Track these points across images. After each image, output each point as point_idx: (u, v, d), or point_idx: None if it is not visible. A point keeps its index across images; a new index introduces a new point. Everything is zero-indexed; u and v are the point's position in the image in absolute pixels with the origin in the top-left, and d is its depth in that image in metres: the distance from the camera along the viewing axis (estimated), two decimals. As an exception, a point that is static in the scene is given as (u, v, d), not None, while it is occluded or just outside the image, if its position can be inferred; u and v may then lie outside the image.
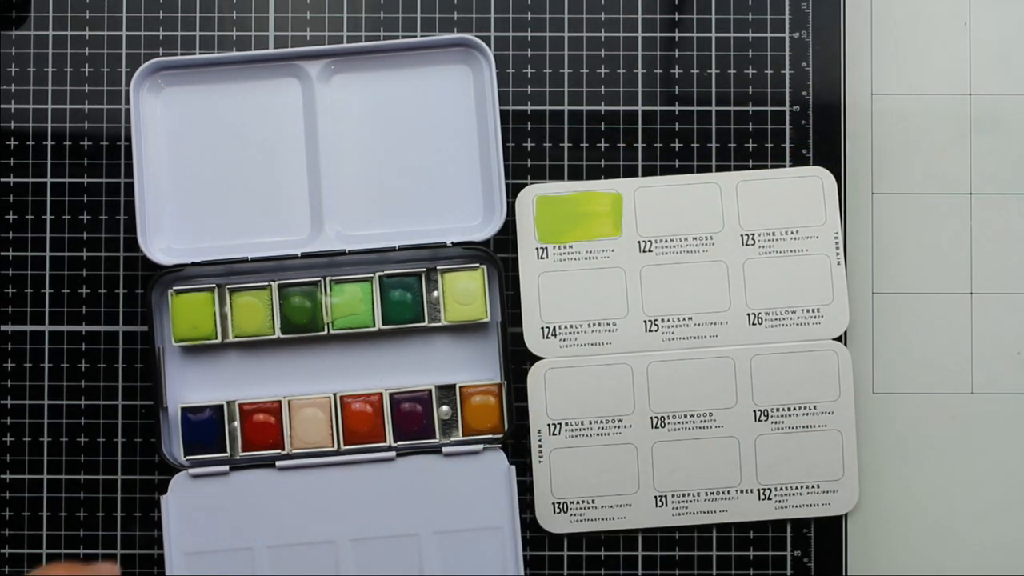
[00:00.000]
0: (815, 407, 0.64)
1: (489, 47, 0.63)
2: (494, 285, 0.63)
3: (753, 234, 0.64)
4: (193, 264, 0.62)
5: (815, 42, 0.65)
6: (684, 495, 0.64)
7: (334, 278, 0.63)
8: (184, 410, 0.63)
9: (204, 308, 0.63)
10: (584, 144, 0.65)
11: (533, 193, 0.64)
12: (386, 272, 0.63)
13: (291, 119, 0.64)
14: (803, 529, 0.64)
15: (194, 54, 0.65)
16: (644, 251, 0.64)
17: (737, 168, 0.65)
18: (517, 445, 0.64)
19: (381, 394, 0.63)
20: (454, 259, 0.64)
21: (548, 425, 0.64)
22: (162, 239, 0.63)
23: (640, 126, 0.65)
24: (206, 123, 0.64)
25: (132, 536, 0.64)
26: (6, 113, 0.65)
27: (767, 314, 0.64)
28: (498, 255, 0.63)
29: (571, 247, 0.64)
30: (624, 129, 0.65)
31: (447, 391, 0.63)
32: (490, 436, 0.63)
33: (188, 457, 0.63)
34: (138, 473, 0.65)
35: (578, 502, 0.64)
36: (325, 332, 0.63)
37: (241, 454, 0.63)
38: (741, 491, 0.64)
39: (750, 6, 0.65)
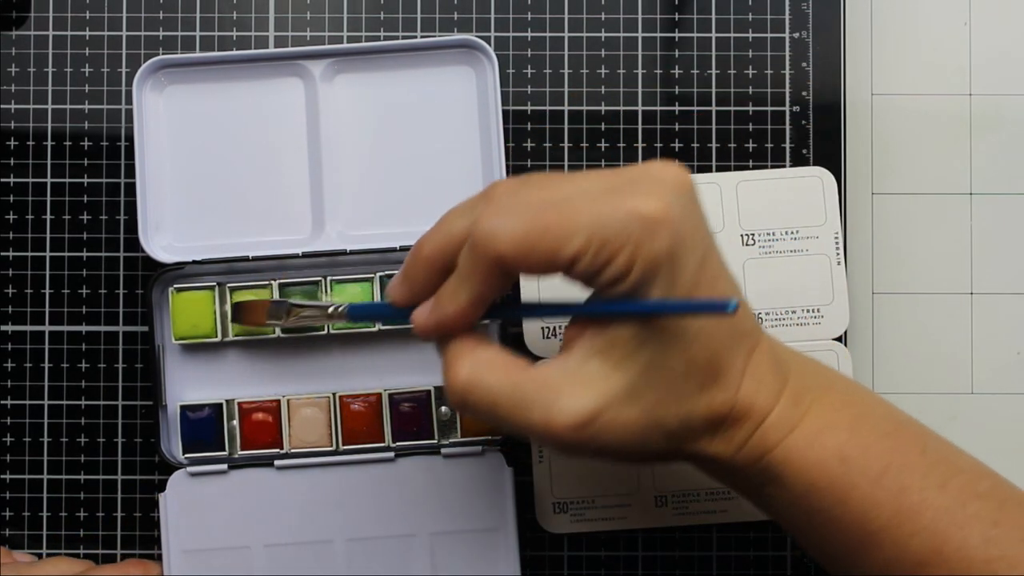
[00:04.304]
0: (815, 407, 0.63)
1: (489, 47, 0.63)
2: (494, 287, 0.63)
3: (753, 234, 0.64)
4: (194, 262, 0.62)
5: (815, 42, 0.65)
6: (684, 495, 0.64)
7: (335, 278, 0.63)
8: (183, 408, 0.63)
9: (204, 306, 0.63)
10: (584, 144, 0.65)
11: (533, 193, 0.64)
12: (387, 272, 0.63)
13: (294, 118, 0.64)
14: (803, 529, 0.64)
15: (195, 53, 0.65)
16: (644, 251, 0.64)
17: (737, 168, 0.65)
18: (517, 445, 0.64)
19: (380, 394, 0.63)
20: (455, 260, 0.64)
21: (548, 425, 0.63)
22: (163, 237, 0.63)
23: (640, 126, 0.65)
24: (208, 121, 0.64)
25: (132, 536, 0.64)
26: (6, 113, 0.65)
27: (767, 314, 0.64)
28: (498, 255, 0.63)
29: (571, 247, 0.64)
30: (624, 129, 0.65)
31: (446, 392, 0.63)
32: (489, 438, 0.63)
33: (187, 455, 0.63)
34: (138, 473, 0.65)
35: (578, 502, 0.64)
36: (325, 332, 0.63)
37: (240, 453, 0.63)
38: (741, 491, 0.64)
39: (750, 6, 0.65)
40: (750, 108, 0.65)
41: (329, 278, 0.63)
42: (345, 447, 0.63)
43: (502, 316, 0.50)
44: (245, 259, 0.63)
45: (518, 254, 0.46)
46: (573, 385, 0.48)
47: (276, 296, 0.62)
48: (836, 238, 0.64)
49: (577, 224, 0.45)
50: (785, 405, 0.50)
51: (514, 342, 0.63)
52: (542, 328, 0.64)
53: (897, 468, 0.50)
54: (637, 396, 0.48)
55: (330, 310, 0.56)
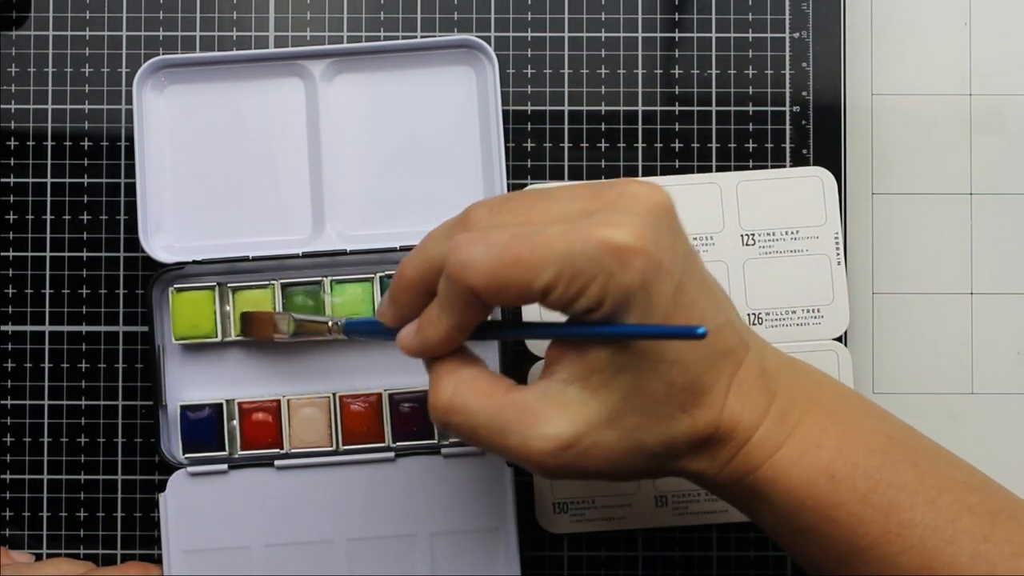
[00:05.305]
0: (815, 407, 0.63)
1: (489, 47, 0.63)
2: (494, 286, 0.63)
3: (753, 234, 0.64)
4: (194, 262, 0.62)
5: (815, 42, 0.65)
6: (684, 495, 0.64)
7: (335, 278, 0.63)
8: (183, 408, 0.63)
9: (205, 306, 0.63)
10: (584, 144, 0.65)
11: (533, 193, 0.64)
12: (387, 272, 0.63)
13: (294, 118, 0.64)
14: (803, 529, 0.64)
15: (195, 53, 0.65)
16: (644, 251, 0.64)
17: (737, 168, 0.65)
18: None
19: (380, 394, 0.63)
20: (454, 260, 0.64)
21: (548, 425, 0.63)
22: (163, 237, 0.63)
23: (640, 126, 0.65)
24: (209, 121, 0.64)
25: (132, 536, 0.64)
26: (6, 113, 0.65)
27: (767, 314, 0.64)
28: (498, 255, 0.63)
29: (571, 247, 0.64)
30: (624, 129, 0.65)
31: (447, 392, 0.63)
32: (490, 437, 0.63)
33: (187, 455, 0.63)
34: (138, 473, 0.65)
35: (578, 502, 0.64)
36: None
37: (240, 453, 0.63)
38: (741, 491, 0.64)
39: (750, 6, 0.65)
40: (750, 108, 0.65)
41: (329, 278, 0.63)
42: (345, 447, 0.63)
43: (481, 338, 0.50)
44: (245, 259, 0.63)
45: (490, 288, 0.46)
46: (552, 411, 0.47)
47: (278, 297, 0.62)
48: (836, 238, 0.64)
49: (548, 256, 0.45)
50: (771, 423, 0.49)
51: (515, 341, 0.63)
52: (542, 328, 0.64)
53: (886, 485, 0.49)
54: (617, 421, 0.48)
55: (329, 324, 0.59)
